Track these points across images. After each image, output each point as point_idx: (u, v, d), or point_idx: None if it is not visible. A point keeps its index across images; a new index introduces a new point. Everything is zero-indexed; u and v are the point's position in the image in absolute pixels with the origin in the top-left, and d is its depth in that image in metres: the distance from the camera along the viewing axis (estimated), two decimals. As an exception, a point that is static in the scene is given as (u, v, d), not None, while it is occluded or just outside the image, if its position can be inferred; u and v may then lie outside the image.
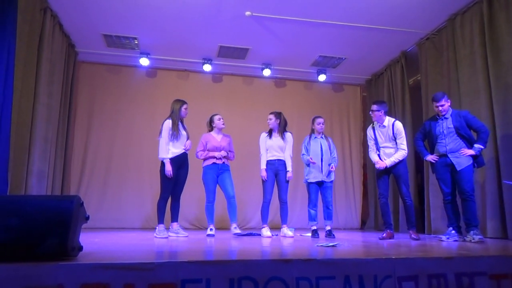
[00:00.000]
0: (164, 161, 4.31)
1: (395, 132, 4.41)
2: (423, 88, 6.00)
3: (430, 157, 4.28)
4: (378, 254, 2.33)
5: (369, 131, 4.65)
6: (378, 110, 4.47)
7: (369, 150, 4.67)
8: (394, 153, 4.38)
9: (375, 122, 4.60)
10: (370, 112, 4.56)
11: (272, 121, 4.74)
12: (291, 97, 7.71)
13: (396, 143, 4.41)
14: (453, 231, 4.06)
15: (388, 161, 4.36)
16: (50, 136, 5.36)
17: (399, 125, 4.46)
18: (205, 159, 4.69)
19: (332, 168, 4.72)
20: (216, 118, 4.82)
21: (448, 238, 4.01)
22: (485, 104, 4.68)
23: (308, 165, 4.76)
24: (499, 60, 4.55)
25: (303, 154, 4.82)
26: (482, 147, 4.01)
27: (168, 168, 4.25)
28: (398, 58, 6.67)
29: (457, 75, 5.20)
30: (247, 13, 5.39)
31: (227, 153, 4.72)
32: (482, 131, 4.03)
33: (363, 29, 5.79)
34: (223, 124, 4.80)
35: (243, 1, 5.16)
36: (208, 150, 4.67)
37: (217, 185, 4.76)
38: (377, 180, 4.54)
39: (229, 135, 4.92)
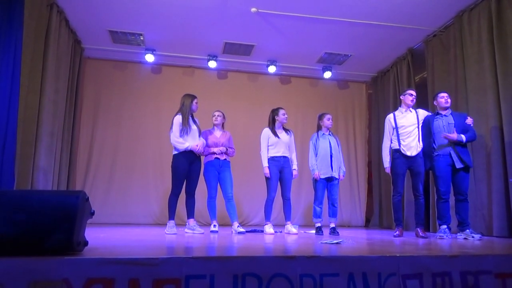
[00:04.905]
0: (180, 147, 4.27)
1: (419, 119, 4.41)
2: (429, 86, 5.96)
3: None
4: (382, 252, 2.33)
5: (390, 118, 4.48)
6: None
7: (384, 141, 4.49)
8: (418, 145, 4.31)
9: (398, 110, 4.50)
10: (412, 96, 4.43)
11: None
12: (296, 94, 7.70)
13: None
14: (447, 229, 4.09)
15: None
16: (56, 132, 5.40)
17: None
18: (206, 155, 4.69)
19: (341, 178, 4.77)
20: (213, 114, 4.83)
21: (447, 236, 4.00)
22: (492, 102, 4.64)
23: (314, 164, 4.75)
24: (507, 58, 4.50)
25: (313, 157, 4.74)
26: (464, 139, 4.10)
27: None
28: (405, 55, 6.62)
29: (464, 73, 5.15)
30: (253, 9, 5.38)
31: (227, 149, 4.70)
32: (473, 133, 4.19)
33: (370, 26, 5.76)
34: (215, 120, 4.79)
35: (249, -3, 5.15)
36: (208, 146, 4.66)
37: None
38: (397, 178, 4.34)
39: (228, 132, 4.92)
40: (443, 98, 4.28)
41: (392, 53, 6.74)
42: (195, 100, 4.47)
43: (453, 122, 4.20)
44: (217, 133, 4.77)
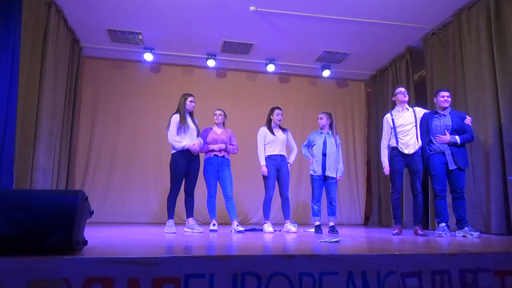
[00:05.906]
0: (177, 146, 4.27)
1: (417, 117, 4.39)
2: (428, 84, 5.96)
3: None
4: (381, 250, 2.33)
5: (388, 118, 4.49)
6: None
7: (382, 142, 4.50)
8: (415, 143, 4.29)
9: (395, 109, 4.49)
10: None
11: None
12: (295, 93, 7.69)
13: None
14: (446, 227, 4.06)
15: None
16: (55, 131, 5.39)
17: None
18: (205, 153, 4.68)
19: (338, 178, 4.74)
20: (214, 113, 4.84)
21: (446, 234, 4.00)
22: (491, 100, 4.64)
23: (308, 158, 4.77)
24: (505, 55, 4.50)
25: (303, 145, 4.82)
26: (459, 140, 4.09)
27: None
28: (403, 54, 6.62)
29: (463, 71, 5.16)
30: (252, 8, 5.37)
31: (226, 146, 4.69)
32: (470, 134, 4.16)
33: (368, 24, 5.75)
34: (216, 119, 4.80)
35: (248, -4, 5.14)
36: (207, 143, 4.65)
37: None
38: (395, 175, 4.36)
39: (230, 130, 4.92)
40: (443, 98, 4.22)
41: (391, 51, 6.74)
42: (189, 98, 4.43)
43: (451, 124, 4.16)
44: (218, 130, 4.77)
